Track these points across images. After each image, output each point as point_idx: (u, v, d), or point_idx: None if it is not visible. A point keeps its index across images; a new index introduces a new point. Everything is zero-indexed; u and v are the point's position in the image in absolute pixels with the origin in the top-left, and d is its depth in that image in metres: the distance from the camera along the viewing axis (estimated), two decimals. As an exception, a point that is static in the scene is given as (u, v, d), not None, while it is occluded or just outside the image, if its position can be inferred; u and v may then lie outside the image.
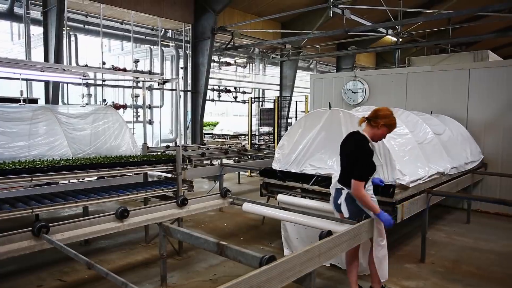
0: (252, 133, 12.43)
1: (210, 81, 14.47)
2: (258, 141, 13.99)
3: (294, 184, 4.69)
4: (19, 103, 6.15)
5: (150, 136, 12.96)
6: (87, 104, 10.35)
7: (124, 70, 12.29)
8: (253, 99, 12.81)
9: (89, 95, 11.83)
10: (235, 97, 18.99)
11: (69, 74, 5.91)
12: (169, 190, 4.84)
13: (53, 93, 9.48)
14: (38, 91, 9.92)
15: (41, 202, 3.90)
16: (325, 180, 4.30)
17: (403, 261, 4.61)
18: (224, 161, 8.67)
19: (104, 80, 12.14)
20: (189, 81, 13.48)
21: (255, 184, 9.38)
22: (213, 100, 17.93)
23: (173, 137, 13.91)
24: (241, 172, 10.30)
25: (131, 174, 5.46)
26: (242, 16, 14.50)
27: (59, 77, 6.66)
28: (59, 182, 5.03)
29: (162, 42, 13.46)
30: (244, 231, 5.89)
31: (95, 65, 11.56)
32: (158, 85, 12.85)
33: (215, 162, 8.86)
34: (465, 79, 7.32)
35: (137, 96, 12.39)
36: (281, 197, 4.65)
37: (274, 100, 11.69)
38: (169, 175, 5.21)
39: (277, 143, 10.12)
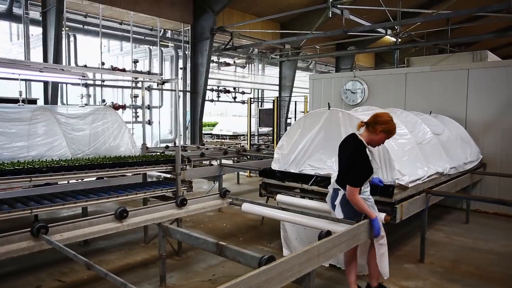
0: (251, 134, 12.40)
1: (209, 82, 14.47)
2: (257, 142, 13.98)
3: (293, 184, 4.69)
4: (18, 104, 6.17)
5: (149, 137, 12.95)
6: (86, 104, 10.33)
7: (123, 70, 12.28)
8: (252, 100, 12.77)
9: (88, 96, 11.82)
10: (234, 98, 18.99)
11: (68, 75, 5.93)
12: (168, 190, 4.83)
13: (52, 93, 9.48)
14: (37, 91, 9.93)
15: (40, 202, 3.89)
16: (324, 180, 4.30)
17: (402, 261, 4.61)
18: (223, 161, 8.68)
19: (103, 81, 12.14)
20: (188, 81, 13.48)
21: (254, 184, 9.38)
22: (212, 101, 17.93)
23: (172, 137, 13.89)
24: (240, 173, 10.29)
25: (130, 174, 5.45)
26: (241, 17, 14.51)
27: (58, 77, 6.66)
28: (58, 183, 5.02)
29: (161, 43, 13.46)
30: (243, 232, 5.89)
31: (94, 65, 11.55)
32: (157, 85, 12.94)
33: (214, 163, 8.87)
34: (464, 79, 7.32)
35: (136, 96, 12.38)
36: (280, 197, 4.65)
37: (273, 100, 11.67)
38: (168, 176, 5.21)
39: (276, 143, 10.11)
